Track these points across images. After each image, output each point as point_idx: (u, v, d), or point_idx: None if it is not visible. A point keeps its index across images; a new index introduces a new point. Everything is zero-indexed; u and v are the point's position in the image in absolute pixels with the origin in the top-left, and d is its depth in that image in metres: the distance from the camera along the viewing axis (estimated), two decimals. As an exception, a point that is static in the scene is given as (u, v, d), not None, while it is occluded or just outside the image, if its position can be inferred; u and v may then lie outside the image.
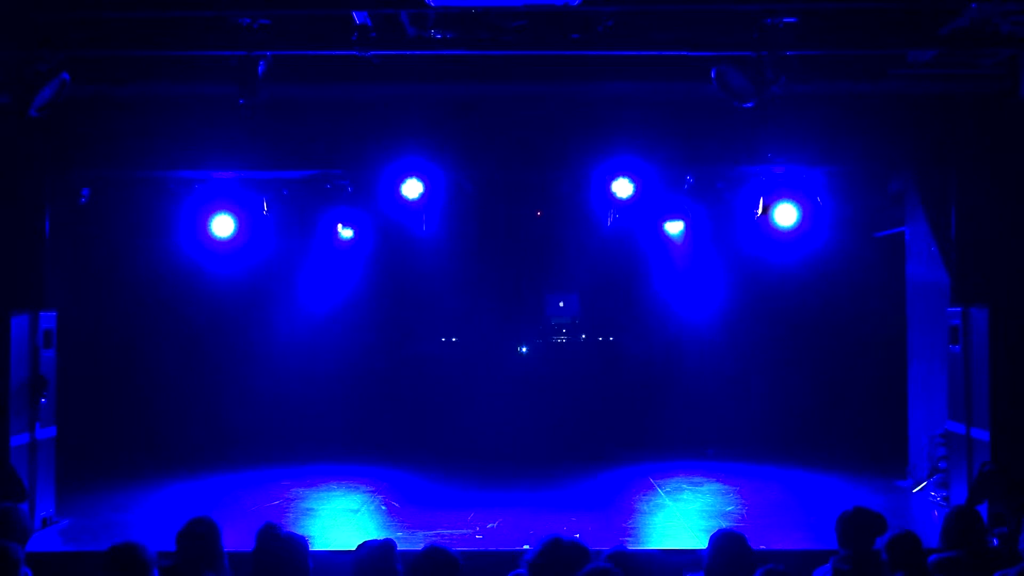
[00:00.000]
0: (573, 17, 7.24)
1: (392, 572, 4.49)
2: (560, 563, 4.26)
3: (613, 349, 13.39)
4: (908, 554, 4.91)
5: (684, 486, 10.36)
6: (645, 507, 9.51)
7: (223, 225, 10.37)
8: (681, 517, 8.96)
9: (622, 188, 9.58)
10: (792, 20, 7.03)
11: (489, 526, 8.43)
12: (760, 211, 10.18)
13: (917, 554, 4.92)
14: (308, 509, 9.36)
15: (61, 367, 9.06)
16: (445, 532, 8.22)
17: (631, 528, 8.63)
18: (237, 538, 5.41)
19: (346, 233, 11.81)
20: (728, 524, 8.58)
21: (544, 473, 10.95)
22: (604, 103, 9.09)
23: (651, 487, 10.33)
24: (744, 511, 9.22)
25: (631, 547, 7.59)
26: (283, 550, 4.74)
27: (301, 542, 4.84)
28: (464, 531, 8.29)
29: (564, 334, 13.29)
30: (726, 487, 10.32)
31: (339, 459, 11.62)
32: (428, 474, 10.99)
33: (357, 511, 9.26)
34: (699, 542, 6.13)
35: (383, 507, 9.43)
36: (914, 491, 9.90)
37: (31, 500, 8.39)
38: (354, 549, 4.62)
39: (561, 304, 13.35)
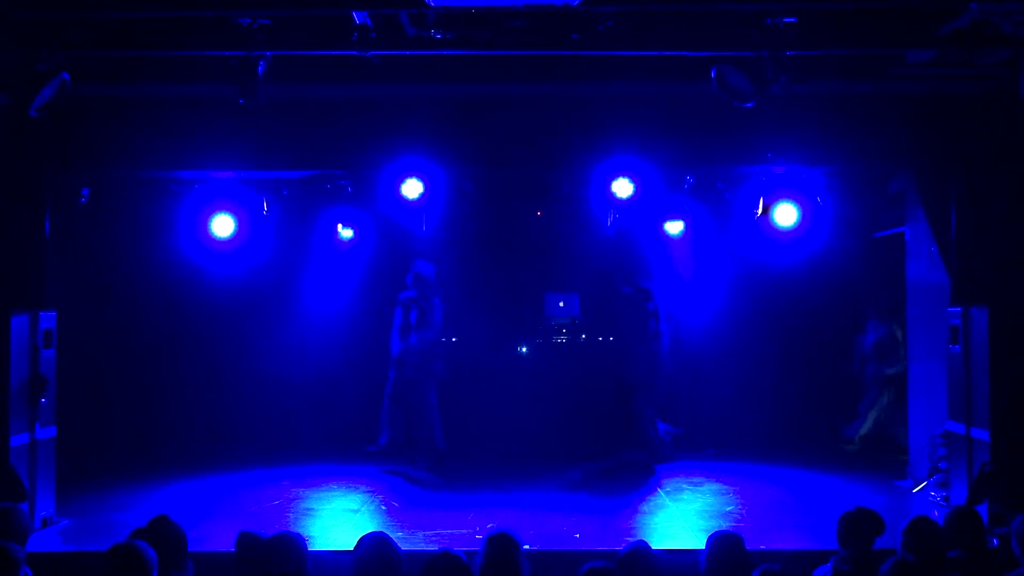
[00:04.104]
0: (573, 17, 7.23)
1: (395, 564, 4.50)
2: (502, 558, 4.39)
3: (613, 349, 13.37)
4: (924, 541, 5.00)
5: (684, 486, 10.36)
6: (645, 507, 9.52)
7: (223, 225, 10.39)
8: (681, 517, 8.96)
9: (622, 188, 9.58)
10: (792, 20, 7.02)
11: (489, 526, 8.41)
12: (760, 211, 10.19)
13: (933, 541, 5.01)
14: (308, 509, 9.36)
15: (61, 367, 9.05)
16: (445, 532, 8.22)
17: (631, 528, 8.63)
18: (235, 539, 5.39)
19: (346, 233, 11.82)
20: (728, 524, 8.60)
21: (544, 473, 10.94)
22: (604, 103, 9.08)
23: (651, 487, 10.32)
24: (744, 511, 9.22)
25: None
26: (273, 553, 4.70)
27: (293, 540, 4.82)
28: (464, 531, 8.30)
29: (564, 334, 13.26)
30: (726, 487, 10.31)
31: (339, 459, 11.61)
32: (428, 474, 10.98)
33: (357, 511, 9.26)
34: (699, 542, 6.12)
35: (383, 507, 9.43)
36: (914, 491, 9.90)
37: (31, 500, 8.37)
38: (353, 548, 4.61)
39: (561, 304, 13.31)
